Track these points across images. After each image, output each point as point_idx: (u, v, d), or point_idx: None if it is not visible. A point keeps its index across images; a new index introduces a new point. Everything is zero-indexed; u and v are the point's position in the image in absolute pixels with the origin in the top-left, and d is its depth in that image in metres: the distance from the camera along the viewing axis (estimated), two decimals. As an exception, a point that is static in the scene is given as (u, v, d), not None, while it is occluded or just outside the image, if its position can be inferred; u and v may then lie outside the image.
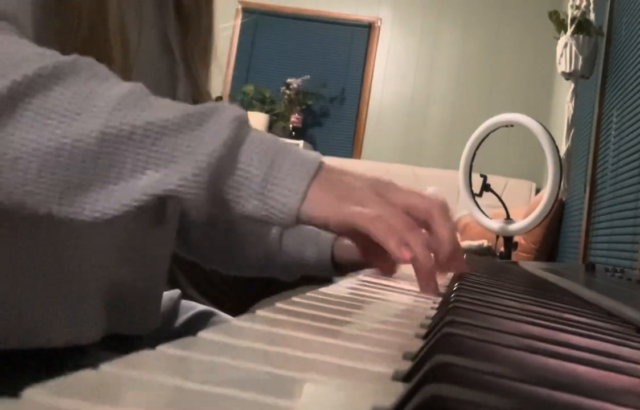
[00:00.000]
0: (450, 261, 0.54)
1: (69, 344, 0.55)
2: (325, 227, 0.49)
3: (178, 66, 0.67)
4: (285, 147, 0.48)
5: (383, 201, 0.50)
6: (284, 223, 0.47)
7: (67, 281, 0.55)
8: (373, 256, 0.65)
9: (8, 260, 0.51)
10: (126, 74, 0.54)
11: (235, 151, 0.46)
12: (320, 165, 0.49)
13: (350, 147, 4.79)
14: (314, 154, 0.49)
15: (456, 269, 0.60)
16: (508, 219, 1.83)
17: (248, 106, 4.79)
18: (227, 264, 0.82)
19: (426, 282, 0.52)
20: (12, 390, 0.16)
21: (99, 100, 0.44)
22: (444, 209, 0.53)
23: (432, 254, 0.52)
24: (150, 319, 0.67)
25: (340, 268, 0.76)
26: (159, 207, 0.46)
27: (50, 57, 0.44)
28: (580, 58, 2.58)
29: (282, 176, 0.47)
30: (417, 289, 0.53)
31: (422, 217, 0.51)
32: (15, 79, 0.41)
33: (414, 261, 0.50)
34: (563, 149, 2.61)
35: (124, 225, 0.59)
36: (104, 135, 0.43)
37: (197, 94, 0.69)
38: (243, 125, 0.47)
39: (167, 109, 0.45)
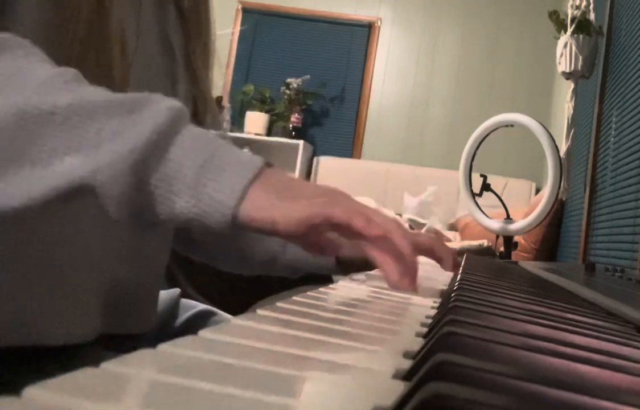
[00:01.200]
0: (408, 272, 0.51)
1: (67, 343, 0.55)
2: (271, 230, 0.43)
3: (178, 66, 0.66)
4: (225, 145, 0.44)
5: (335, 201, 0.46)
6: (219, 224, 0.42)
7: (63, 280, 0.55)
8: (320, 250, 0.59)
9: (3, 259, 0.51)
10: (124, 73, 0.54)
11: (168, 141, 0.42)
12: (263, 167, 0.44)
13: (350, 147, 4.79)
14: (257, 156, 0.45)
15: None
16: (508, 218, 1.83)
17: (248, 106, 4.80)
18: (230, 263, 0.82)
19: (395, 271, 0.49)
20: (11, 387, 0.16)
21: (25, 78, 0.40)
22: (401, 226, 0.49)
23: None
24: (147, 318, 0.67)
25: (344, 266, 0.76)
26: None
27: None
28: (580, 58, 2.58)
29: (218, 173, 0.42)
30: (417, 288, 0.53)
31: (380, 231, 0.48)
32: None
33: (383, 242, 0.47)
34: (563, 149, 2.61)
35: (119, 225, 0.59)
36: (24, 113, 0.39)
37: (199, 94, 0.69)
38: (180, 117, 0.43)
39: (96, 94, 0.42)
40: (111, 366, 0.19)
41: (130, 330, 0.64)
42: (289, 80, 4.76)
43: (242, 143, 4.15)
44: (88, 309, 0.57)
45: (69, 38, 0.49)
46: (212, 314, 0.80)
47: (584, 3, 2.62)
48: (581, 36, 2.58)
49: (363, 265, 0.74)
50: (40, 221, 0.51)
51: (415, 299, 0.48)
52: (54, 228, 0.53)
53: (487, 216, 1.86)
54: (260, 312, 0.31)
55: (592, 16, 2.64)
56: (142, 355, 0.21)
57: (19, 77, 0.40)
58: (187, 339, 0.23)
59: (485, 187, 1.83)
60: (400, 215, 3.40)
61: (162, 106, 0.42)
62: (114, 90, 0.44)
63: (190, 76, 0.68)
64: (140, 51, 0.59)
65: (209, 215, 0.42)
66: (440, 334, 0.25)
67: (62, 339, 0.55)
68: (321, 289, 0.44)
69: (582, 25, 2.58)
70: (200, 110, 0.68)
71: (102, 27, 0.51)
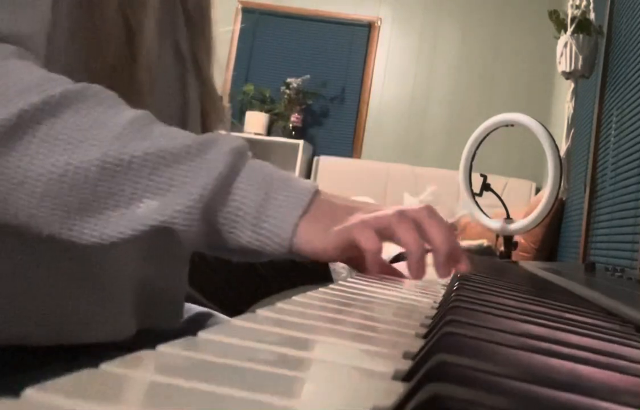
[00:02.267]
0: (449, 260, 0.55)
1: (105, 341, 0.58)
2: (317, 257, 0.50)
3: (189, 72, 0.68)
4: (279, 179, 0.49)
5: (368, 212, 0.51)
6: (277, 254, 0.49)
7: (99, 281, 0.58)
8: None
9: (41, 264, 0.54)
10: (151, 88, 0.56)
11: (230, 183, 0.47)
12: (314, 196, 0.50)
13: (350, 146, 4.79)
14: (309, 185, 0.50)
15: (458, 268, 0.60)
16: (508, 218, 1.83)
17: (248, 106, 4.79)
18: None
19: (416, 267, 0.53)
20: (16, 388, 0.16)
21: (102, 128, 0.45)
22: (433, 211, 0.54)
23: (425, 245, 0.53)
24: (175, 314, 0.71)
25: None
26: None
27: (57, 83, 0.45)
28: (580, 57, 2.58)
29: (274, 210, 0.48)
30: (417, 288, 0.53)
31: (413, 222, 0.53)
32: (23, 107, 0.43)
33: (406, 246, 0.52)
34: (563, 149, 2.61)
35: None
36: (104, 164, 0.44)
37: (206, 93, 0.70)
38: (241, 156, 0.48)
39: (167, 139, 0.47)
40: (111, 367, 0.19)
41: (164, 325, 0.68)
42: (289, 80, 4.76)
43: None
44: (122, 307, 0.60)
45: (98, 66, 0.53)
46: (209, 316, 0.80)
47: (584, 3, 2.62)
48: (581, 36, 2.58)
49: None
50: None
51: (415, 299, 0.48)
52: None
53: (487, 216, 1.86)
54: (260, 312, 0.31)
55: (592, 16, 2.64)
56: (142, 356, 0.20)
57: (96, 128, 0.45)
58: (187, 340, 0.23)
59: (485, 187, 1.84)
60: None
61: (226, 149, 0.47)
62: (142, 107, 0.48)
63: (197, 73, 0.70)
64: (160, 68, 0.61)
65: (268, 247, 0.48)
66: (440, 335, 0.25)
67: (101, 337, 0.58)
68: (321, 289, 0.44)
69: (582, 25, 2.58)
70: (207, 108, 0.70)
71: (132, 58, 0.55)
